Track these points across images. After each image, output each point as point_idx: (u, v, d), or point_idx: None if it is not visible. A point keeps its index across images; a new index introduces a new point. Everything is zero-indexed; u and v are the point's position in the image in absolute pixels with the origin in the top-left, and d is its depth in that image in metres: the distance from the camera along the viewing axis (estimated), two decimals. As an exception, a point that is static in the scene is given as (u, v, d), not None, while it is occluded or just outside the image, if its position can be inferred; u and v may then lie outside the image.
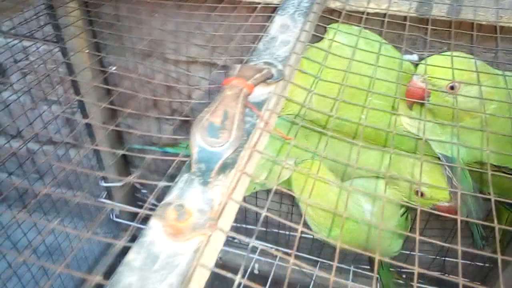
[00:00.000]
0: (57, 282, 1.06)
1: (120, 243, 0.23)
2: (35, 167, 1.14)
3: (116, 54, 0.80)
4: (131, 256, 0.21)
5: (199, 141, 0.24)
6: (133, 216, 1.07)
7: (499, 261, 0.28)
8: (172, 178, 0.26)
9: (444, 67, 0.48)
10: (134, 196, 1.04)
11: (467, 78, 0.48)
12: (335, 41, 0.48)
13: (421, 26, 0.54)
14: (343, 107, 0.47)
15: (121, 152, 0.67)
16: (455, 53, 0.50)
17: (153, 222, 0.23)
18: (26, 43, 0.89)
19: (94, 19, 0.76)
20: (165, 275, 0.20)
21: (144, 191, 1.03)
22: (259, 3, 0.58)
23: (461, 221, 0.49)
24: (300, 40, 0.42)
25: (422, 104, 0.52)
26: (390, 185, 0.62)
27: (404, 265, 0.26)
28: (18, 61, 0.92)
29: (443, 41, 0.54)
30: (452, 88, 0.50)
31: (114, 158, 0.91)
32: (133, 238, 0.87)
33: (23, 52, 0.90)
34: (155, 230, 0.22)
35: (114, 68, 0.70)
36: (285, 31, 0.42)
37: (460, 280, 0.26)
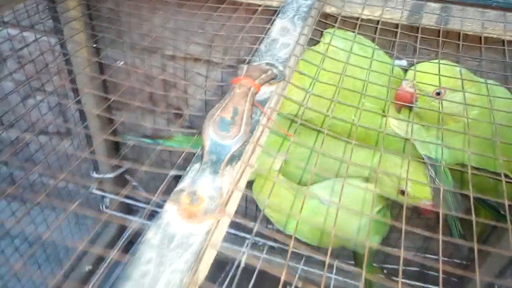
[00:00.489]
0: (47, 270, 1.07)
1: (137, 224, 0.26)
2: (25, 157, 1.14)
3: (114, 48, 0.82)
4: (150, 235, 0.23)
5: (211, 135, 0.26)
6: (122, 208, 1.08)
7: (475, 251, 0.31)
8: (184, 168, 0.28)
9: (431, 73, 0.51)
10: (124, 188, 1.05)
11: (452, 85, 0.52)
12: (332, 45, 0.51)
13: (411, 33, 0.57)
14: (336, 108, 0.50)
15: (109, 138, 0.68)
16: (442, 61, 0.53)
17: (168, 206, 0.25)
18: (24, 33, 0.90)
19: (94, 12, 0.77)
20: (180, 253, 0.23)
21: (134, 183, 1.04)
22: (259, 5, 0.61)
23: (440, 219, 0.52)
24: (299, 43, 0.45)
25: (409, 108, 0.56)
26: (376, 185, 0.65)
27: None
28: (16, 51, 0.93)
29: (431, 48, 0.57)
30: (438, 94, 0.53)
31: (106, 147, 0.93)
32: (123, 229, 0.90)
33: (20, 42, 0.91)
34: (170, 213, 0.25)
35: (121, 63, 0.72)
36: (285, 34, 0.44)
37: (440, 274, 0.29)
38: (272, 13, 0.61)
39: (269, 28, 0.45)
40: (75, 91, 0.89)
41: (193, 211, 0.25)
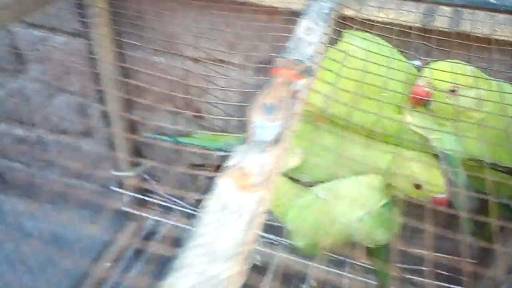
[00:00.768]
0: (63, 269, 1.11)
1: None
2: (46, 157, 1.18)
3: (137, 49, 0.86)
4: (209, 203, 0.27)
5: (257, 118, 0.30)
6: (141, 206, 1.11)
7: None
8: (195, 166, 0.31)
9: (445, 71, 0.54)
10: (142, 187, 1.08)
11: (465, 83, 0.55)
12: (352, 44, 0.54)
13: (425, 35, 0.60)
14: (356, 103, 0.54)
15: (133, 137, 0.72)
16: (454, 61, 0.57)
17: (222, 179, 0.28)
18: (49, 34, 0.94)
19: (118, 15, 0.82)
20: (236, 218, 0.26)
21: (152, 181, 1.08)
22: (278, 8, 0.65)
23: (453, 216, 0.55)
24: (322, 42, 0.48)
25: (424, 106, 0.59)
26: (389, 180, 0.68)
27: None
28: (39, 51, 0.97)
29: (443, 49, 0.60)
30: (452, 91, 0.56)
31: (127, 146, 0.96)
32: (140, 228, 0.93)
33: (45, 43, 0.95)
34: (224, 185, 0.28)
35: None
36: (310, 33, 0.48)
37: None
38: (290, 15, 0.65)
39: (294, 28, 0.49)
40: (99, 91, 0.93)
41: (243, 184, 0.28)
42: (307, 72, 0.40)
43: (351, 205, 0.63)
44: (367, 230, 0.67)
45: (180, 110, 0.93)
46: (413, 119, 0.61)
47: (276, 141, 0.31)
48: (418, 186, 0.64)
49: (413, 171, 0.63)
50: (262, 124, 0.30)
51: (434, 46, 0.58)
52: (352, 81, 0.52)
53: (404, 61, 0.61)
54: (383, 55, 0.55)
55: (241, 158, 0.30)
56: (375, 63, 0.52)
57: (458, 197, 0.61)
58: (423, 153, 0.64)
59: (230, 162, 0.30)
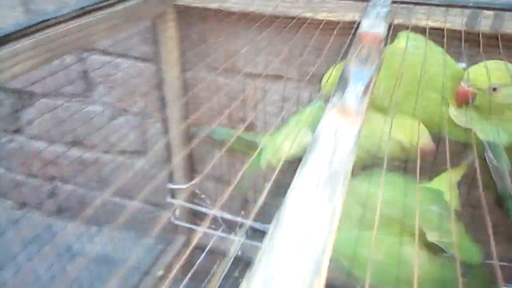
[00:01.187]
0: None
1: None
2: (101, 176, 1.26)
3: (199, 70, 0.95)
4: (321, 130, 0.33)
5: (353, 66, 0.36)
6: (191, 219, 1.17)
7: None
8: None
9: (486, 72, 0.61)
10: (192, 201, 1.14)
11: (505, 81, 0.61)
12: (406, 42, 0.62)
13: (470, 38, 0.67)
14: (404, 97, 0.60)
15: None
16: (495, 61, 0.63)
17: (329, 111, 0.35)
18: (118, 59, 1.05)
19: (184, 39, 0.92)
20: (344, 140, 0.32)
21: (202, 196, 1.13)
22: (332, 21, 0.73)
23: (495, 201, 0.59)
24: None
25: (468, 105, 0.65)
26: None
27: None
28: (109, 76, 1.08)
29: (487, 50, 0.67)
30: (494, 89, 0.62)
31: (183, 162, 1.03)
32: (188, 241, 0.98)
33: (115, 68, 1.06)
34: (331, 114, 0.34)
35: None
36: (374, 26, 0.55)
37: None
38: (343, 28, 0.73)
39: (358, 23, 0.56)
40: (160, 110, 1.02)
41: (348, 114, 0.34)
42: (384, 41, 0.47)
43: None
44: None
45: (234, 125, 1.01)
46: (456, 113, 0.67)
47: (368, 85, 0.37)
48: (403, 148, 0.66)
49: (398, 135, 0.65)
50: (358, 70, 0.37)
51: (479, 49, 0.64)
52: (407, 73, 0.59)
53: (452, 62, 0.67)
54: (435, 54, 0.62)
55: (339, 97, 0.36)
56: (427, 60, 0.59)
57: (502, 180, 0.65)
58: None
59: (333, 100, 0.36)
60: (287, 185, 0.27)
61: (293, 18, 0.76)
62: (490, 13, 0.66)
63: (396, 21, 0.70)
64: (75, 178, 1.30)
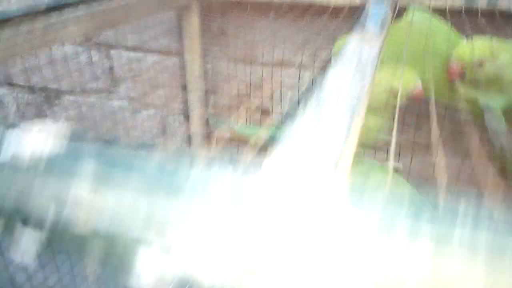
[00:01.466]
0: None
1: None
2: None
3: (219, 59, 1.03)
4: (347, 52, 0.39)
5: (373, 4, 0.43)
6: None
7: None
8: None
9: (472, 49, 0.68)
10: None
11: (489, 56, 0.68)
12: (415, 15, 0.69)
13: (469, 15, 0.74)
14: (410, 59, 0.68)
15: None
16: (480, 38, 0.70)
17: (353, 39, 0.41)
18: (143, 54, 1.13)
19: (205, 32, 1.00)
20: (364, 51, 0.39)
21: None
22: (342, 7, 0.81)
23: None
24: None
25: (460, 80, 0.72)
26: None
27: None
28: (133, 71, 1.15)
29: (485, 27, 0.74)
30: (479, 64, 0.69)
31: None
32: None
33: (138, 63, 1.14)
34: (355, 42, 0.41)
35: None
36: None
37: None
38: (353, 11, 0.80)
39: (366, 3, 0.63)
40: (183, 103, 1.09)
41: (368, 39, 0.41)
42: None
43: None
44: None
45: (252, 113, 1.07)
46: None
47: (385, 18, 0.44)
48: (394, 92, 0.70)
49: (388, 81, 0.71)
50: (377, 6, 0.44)
51: (476, 25, 0.72)
52: (413, 41, 0.66)
53: (456, 34, 0.75)
54: (440, 26, 0.70)
55: (364, 31, 0.43)
56: (432, 30, 0.66)
57: (499, 139, 0.71)
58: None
59: (355, 34, 0.43)
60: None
61: (310, 5, 0.84)
62: (486, -9, 0.74)
63: (401, 3, 0.77)
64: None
